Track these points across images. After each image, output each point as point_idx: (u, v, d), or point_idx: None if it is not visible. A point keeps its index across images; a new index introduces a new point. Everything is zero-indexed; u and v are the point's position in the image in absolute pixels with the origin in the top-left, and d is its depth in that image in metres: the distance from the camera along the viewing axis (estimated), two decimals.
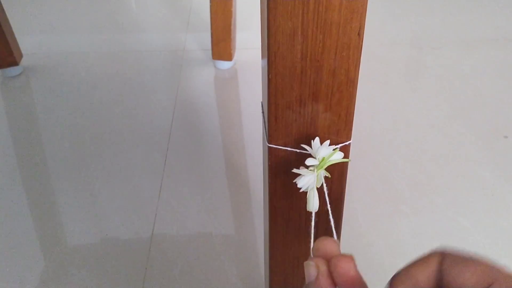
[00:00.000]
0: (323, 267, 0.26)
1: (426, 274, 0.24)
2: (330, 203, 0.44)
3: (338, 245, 0.28)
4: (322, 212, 0.44)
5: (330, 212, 0.36)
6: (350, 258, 0.26)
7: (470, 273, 0.23)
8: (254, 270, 0.69)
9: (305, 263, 0.27)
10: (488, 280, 0.22)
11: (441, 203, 0.79)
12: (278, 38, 0.33)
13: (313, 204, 0.37)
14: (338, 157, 0.38)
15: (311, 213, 0.44)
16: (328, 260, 0.26)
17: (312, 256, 0.28)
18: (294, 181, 0.37)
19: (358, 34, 0.33)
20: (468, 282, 0.23)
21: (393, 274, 0.25)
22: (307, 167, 0.37)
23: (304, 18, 0.32)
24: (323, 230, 0.46)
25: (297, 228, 0.45)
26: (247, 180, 0.85)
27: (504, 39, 1.27)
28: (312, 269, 0.26)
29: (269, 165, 0.40)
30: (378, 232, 0.74)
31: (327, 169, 0.38)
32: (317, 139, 0.37)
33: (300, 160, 0.38)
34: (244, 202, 0.80)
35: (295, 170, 0.37)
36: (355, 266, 0.26)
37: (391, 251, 0.71)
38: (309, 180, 0.36)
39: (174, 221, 0.77)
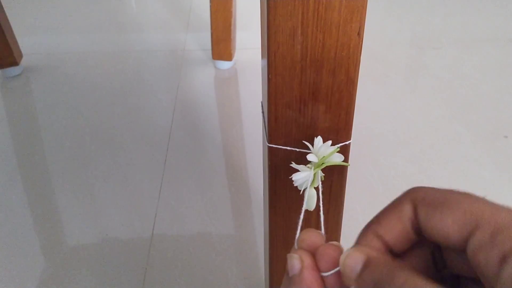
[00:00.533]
0: (308, 260, 0.24)
1: (398, 230, 0.22)
2: (330, 203, 0.44)
3: (324, 238, 0.25)
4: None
5: (321, 209, 0.36)
6: (338, 246, 0.24)
7: (451, 220, 0.20)
8: (254, 270, 0.69)
9: (288, 255, 0.24)
10: (471, 225, 0.20)
11: None
12: (278, 38, 0.33)
13: (310, 203, 0.37)
14: (337, 159, 0.38)
15: (311, 213, 0.44)
16: (313, 253, 0.24)
17: (296, 248, 0.25)
18: (290, 177, 0.37)
19: (358, 34, 0.33)
20: (450, 230, 0.20)
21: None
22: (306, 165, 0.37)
23: (304, 18, 0.32)
24: (323, 230, 0.46)
25: (297, 228, 0.45)
26: (247, 180, 0.85)
27: (504, 39, 1.27)
28: (296, 261, 0.24)
29: (269, 165, 0.40)
30: None
31: (327, 169, 0.38)
32: (319, 137, 0.37)
33: (300, 159, 0.38)
34: (244, 202, 0.80)
35: (293, 165, 0.37)
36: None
37: None
38: (305, 177, 0.36)
39: (174, 221, 0.77)
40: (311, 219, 0.45)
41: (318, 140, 0.37)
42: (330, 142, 0.37)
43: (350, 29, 0.33)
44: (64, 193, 0.83)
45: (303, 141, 0.38)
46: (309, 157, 0.36)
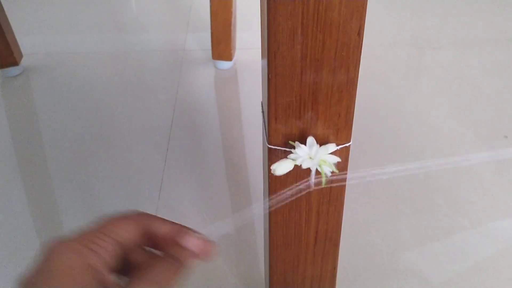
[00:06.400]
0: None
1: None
2: (330, 203, 0.44)
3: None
4: (322, 211, 0.44)
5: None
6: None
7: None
8: (254, 270, 0.69)
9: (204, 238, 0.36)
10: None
11: (441, 203, 0.79)
12: (278, 38, 0.33)
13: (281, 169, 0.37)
14: (331, 160, 0.38)
15: (311, 213, 0.44)
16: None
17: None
18: (271, 167, 0.38)
19: (358, 34, 0.33)
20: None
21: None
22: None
23: (304, 18, 0.32)
24: (324, 230, 0.46)
25: (297, 228, 0.45)
26: (247, 180, 0.85)
27: (504, 39, 1.27)
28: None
29: (269, 165, 0.40)
30: (378, 232, 0.74)
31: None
32: (310, 138, 0.37)
33: None
34: (244, 202, 0.80)
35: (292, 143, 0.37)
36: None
37: (391, 251, 0.71)
38: (285, 168, 0.37)
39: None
40: (311, 219, 0.45)
41: (310, 140, 0.37)
42: (324, 146, 0.37)
43: (350, 29, 0.33)
44: (64, 193, 0.83)
45: (290, 142, 0.38)
46: (299, 150, 0.37)
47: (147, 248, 0.35)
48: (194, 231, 0.35)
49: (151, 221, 0.35)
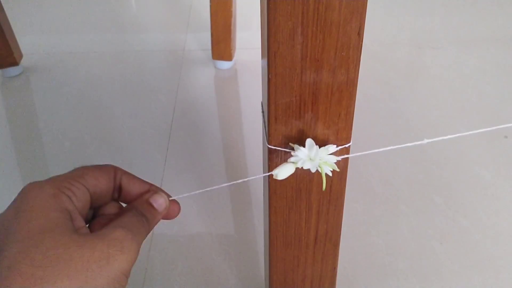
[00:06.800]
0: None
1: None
2: (330, 203, 0.44)
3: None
4: (322, 211, 0.44)
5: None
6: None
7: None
8: (254, 270, 0.69)
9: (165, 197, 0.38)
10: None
11: (441, 203, 0.79)
12: (278, 38, 0.33)
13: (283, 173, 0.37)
14: (331, 160, 0.38)
15: (311, 213, 0.44)
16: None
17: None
18: (273, 172, 0.37)
19: (358, 34, 0.33)
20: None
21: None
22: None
23: (304, 18, 0.32)
24: (324, 230, 0.46)
25: (297, 228, 0.45)
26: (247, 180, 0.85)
27: (504, 39, 1.27)
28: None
29: (269, 165, 0.40)
30: (378, 232, 0.74)
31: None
32: (309, 140, 0.37)
33: None
34: (244, 202, 0.80)
35: (292, 144, 0.37)
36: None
37: (391, 251, 0.71)
38: (287, 172, 0.37)
39: (174, 221, 0.76)
40: (311, 219, 0.45)
41: (309, 142, 0.37)
42: (324, 147, 0.37)
43: (350, 29, 0.33)
44: None
45: (290, 144, 0.38)
46: (299, 152, 0.37)
47: (118, 203, 0.38)
48: (163, 192, 0.38)
49: (124, 176, 0.37)
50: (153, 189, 0.38)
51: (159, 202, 0.37)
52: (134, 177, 0.38)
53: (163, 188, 0.39)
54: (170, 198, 0.39)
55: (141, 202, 0.36)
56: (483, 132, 0.33)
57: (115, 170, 0.37)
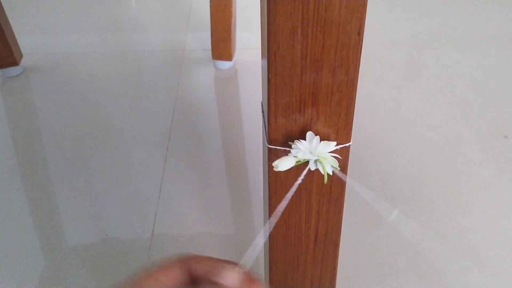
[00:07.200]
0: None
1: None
2: (330, 203, 0.44)
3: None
4: (322, 211, 0.44)
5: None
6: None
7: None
8: (254, 270, 0.69)
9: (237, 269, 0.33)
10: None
11: (441, 203, 0.79)
12: (278, 38, 0.33)
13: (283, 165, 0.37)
14: (331, 160, 0.38)
15: (311, 213, 0.44)
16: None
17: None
18: (273, 163, 0.37)
19: (358, 34, 0.33)
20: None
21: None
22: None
23: (304, 18, 0.32)
24: (324, 230, 0.46)
25: (297, 228, 0.45)
26: (247, 180, 0.85)
27: (504, 39, 1.27)
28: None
29: (269, 165, 0.40)
30: (378, 232, 0.74)
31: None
32: (310, 132, 0.37)
33: None
34: (244, 202, 0.80)
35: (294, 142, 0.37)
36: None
37: (392, 251, 0.71)
38: (287, 163, 0.37)
39: (174, 221, 0.77)
40: (311, 219, 0.45)
41: (309, 135, 0.37)
42: (327, 142, 0.37)
43: (350, 29, 0.33)
44: (64, 193, 0.83)
45: (289, 143, 0.38)
46: (299, 145, 0.37)
47: None
48: (231, 264, 0.33)
49: (191, 261, 0.33)
50: (219, 266, 0.33)
51: (229, 278, 0.32)
52: (198, 257, 0.33)
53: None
54: (236, 270, 0.33)
55: (204, 283, 0.32)
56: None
57: (182, 259, 0.33)
